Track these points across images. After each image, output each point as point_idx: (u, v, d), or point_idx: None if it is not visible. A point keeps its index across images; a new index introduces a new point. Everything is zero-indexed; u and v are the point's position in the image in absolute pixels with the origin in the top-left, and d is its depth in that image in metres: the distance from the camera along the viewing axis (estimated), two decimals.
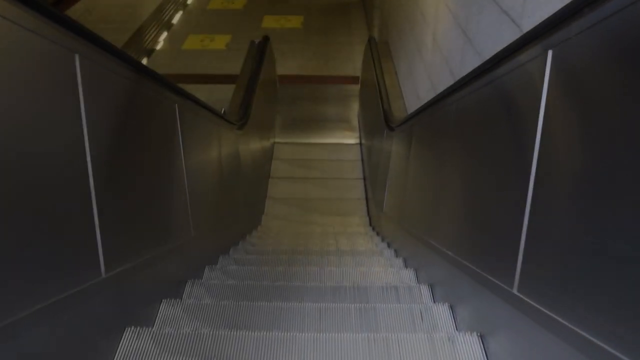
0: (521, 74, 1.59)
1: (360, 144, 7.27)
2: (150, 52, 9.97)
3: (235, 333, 1.97)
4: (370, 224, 5.77)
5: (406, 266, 3.46)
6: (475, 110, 2.16)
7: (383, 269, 3.24)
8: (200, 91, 7.56)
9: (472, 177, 2.09)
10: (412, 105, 5.23)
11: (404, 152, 3.91)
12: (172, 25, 11.19)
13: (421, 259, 3.00)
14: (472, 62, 3.19)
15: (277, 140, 7.33)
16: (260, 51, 6.76)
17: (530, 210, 1.45)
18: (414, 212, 3.27)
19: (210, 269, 3.17)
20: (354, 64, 9.47)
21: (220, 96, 6.52)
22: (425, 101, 3.48)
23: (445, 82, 3.87)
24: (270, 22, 11.08)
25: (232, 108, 5.49)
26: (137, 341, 1.85)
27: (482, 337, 1.86)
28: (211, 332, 1.97)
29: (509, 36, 2.57)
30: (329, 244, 4.61)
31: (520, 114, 1.59)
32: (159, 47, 10.25)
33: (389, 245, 4.37)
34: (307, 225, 5.50)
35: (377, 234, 5.13)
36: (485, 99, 1.99)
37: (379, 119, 5.59)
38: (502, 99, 1.80)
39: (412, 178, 3.38)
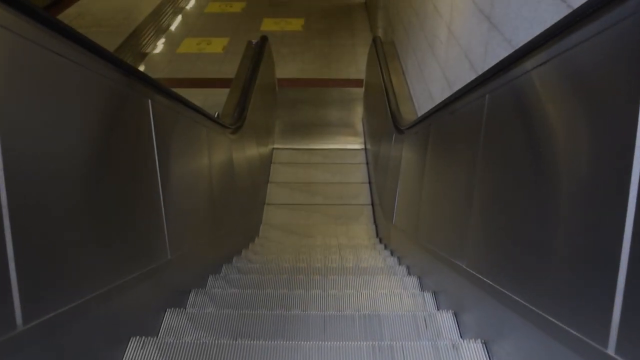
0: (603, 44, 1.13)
1: (365, 149, 6.80)
2: (143, 56, 9.54)
3: None
4: (377, 235, 5.29)
5: (422, 287, 3.00)
6: (521, 102, 1.70)
7: (395, 291, 2.78)
8: (194, 96, 7.09)
9: (522, 190, 1.62)
10: (424, 107, 4.77)
11: (418, 158, 3.44)
12: (167, 29, 10.79)
13: (444, 281, 2.53)
14: (499, 52, 2.73)
15: (276, 146, 6.86)
16: (258, 52, 6.31)
17: (634, 235, 0.99)
18: (433, 226, 2.80)
19: (196, 294, 2.70)
20: (357, 66, 9.03)
21: (216, 101, 6.09)
22: (440, 101, 3.04)
23: (464, 77, 3.41)
24: (269, 25, 10.65)
25: (226, 111, 5.04)
26: None
27: None
28: None
29: (552, 15, 2.11)
30: (333, 259, 4.15)
31: (609, 99, 1.12)
32: (152, 50, 9.83)
33: (399, 261, 3.90)
34: (308, 238, 5.03)
35: (385, 246, 4.65)
36: (539, 86, 1.52)
37: (386, 121, 5.13)
38: (571, 83, 1.33)
39: (430, 187, 2.92)
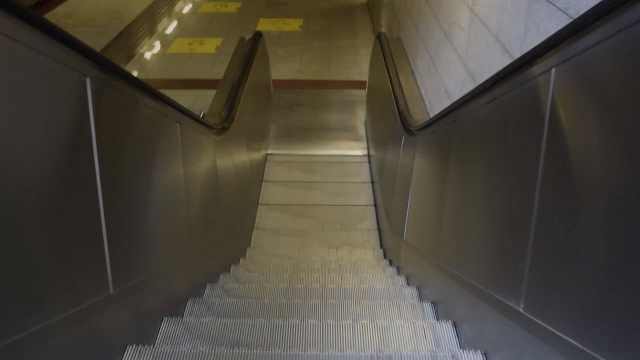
0: None
1: (369, 155, 6.20)
2: (131, 57, 8.97)
3: None
4: (382, 246, 4.69)
5: (437, 315, 2.41)
6: (621, 71, 1.10)
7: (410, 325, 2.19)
8: (183, 97, 6.45)
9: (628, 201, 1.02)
10: (437, 106, 4.18)
11: (437, 163, 2.85)
12: (158, 29, 10.23)
13: (479, 320, 1.93)
14: (548, 26, 2.14)
15: (270, 151, 6.26)
16: (251, 48, 5.72)
17: None
18: (463, 248, 2.19)
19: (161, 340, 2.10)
20: (359, 67, 8.45)
21: (206, 102, 5.49)
22: (459, 97, 2.45)
23: (493, 65, 2.82)
24: (266, 25, 10.09)
25: (213, 110, 4.45)
26: None
27: None
28: None
29: None
30: (331, 277, 3.55)
31: None
32: (141, 51, 9.25)
33: (407, 282, 3.30)
34: (305, 249, 4.41)
35: (390, 262, 4.04)
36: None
37: (394, 123, 4.54)
38: None
39: (457, 199, 2.31)
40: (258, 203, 5.39)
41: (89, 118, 1.62)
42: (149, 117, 2.21)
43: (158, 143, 2.31)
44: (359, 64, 8.56)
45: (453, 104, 2.43)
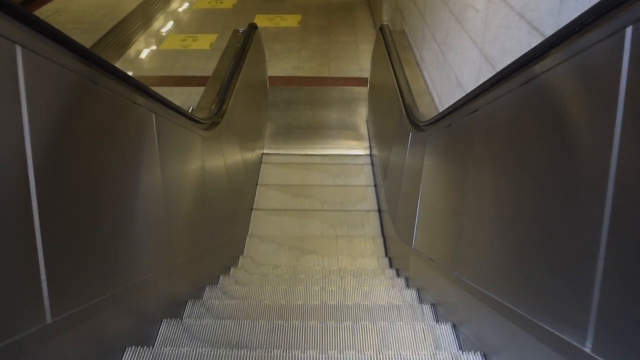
0: None
1: (371, 155, 5.82)
2: (121, 54, 8.59)
3: None
4: (387, 255, 4.31)
5: (460, 343, 2.03)
6: None
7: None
8: (175, 94, 6.03)
9: None
10: (448, 99, 3.81)
11: (453, 160, 2.47)
12: (151, 25, 9.85)
13: (523, 353, 1.55)
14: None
15: (266, 151, 5.88)
16: (245, 40, 5.34)
17: None
18: (491, 261, 1.81)
19: None
20: (359, 64, 8.08)
21: (198, 100, 5.15)
22: (473, 87, 2.08)
23: (517, 48, 2.45)
24: (263, 22, 9.71)
25: (202, 104, 4.08)
26: None
27: None
28: None
29: None
30: (332, 291, 3.18)
31: None
32: (132, 47, 8.87)
33: (419, 296, 2.92)
34: (303, 258, 4.01)
35: (398, 272, 3.66)
36: None
37: (400, 119, 4.17)
38: None
39: (481, 202, 1.93)
40: (252, 208, 4.98)
41: (19, 98, 1.25)
42: (113, 103, 1.84)
43: (124, 136, 1.93)
44: (359, 60, 8.19)
45: (475, 89, 2.06)
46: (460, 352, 2.00)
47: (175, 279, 2.45)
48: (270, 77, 7.18)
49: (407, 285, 3.26)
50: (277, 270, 3.54)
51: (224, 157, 3.86)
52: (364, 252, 4.25)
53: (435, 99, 4.24)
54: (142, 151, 2.12)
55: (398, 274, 3.54)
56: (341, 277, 3.32)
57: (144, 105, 2.15)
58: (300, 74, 7.75)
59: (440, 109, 3.94)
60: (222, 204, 3.74)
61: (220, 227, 3.56)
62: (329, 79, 7.58)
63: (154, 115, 2.27)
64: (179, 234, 2.50)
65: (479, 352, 1.87)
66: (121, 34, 9.40)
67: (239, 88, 4.62)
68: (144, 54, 8.66)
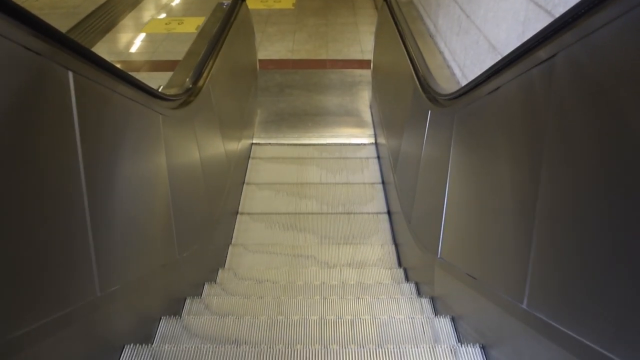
0: None
1: (377, 143, 5.06)
2: (99, 39, 7.84)
3: None
4: (400, 265, 3.56)
5: None
6: None
7: None
8: (153, 80, 5.20)
9: None
10: (475, 68, 3.07)
11: (512, 139, 1.72)
12: (134, 9, 9.09)
13: None
14: None
15: (256, 140, 5.12)
16: (230, 12, 4.59)
17: None
18: (596, 293, 1.07)
19: None
20: (360, 46, 7.33)
21: None
22: (515, 47, 1.37)
23: None
24: (255, 3, 8.94)
25: (174, 82, 3.34)
26: None
27: None
28: None
29: None
30: (333, 308, 2.47)
31: None
32: (111, 32, 8.12)
33: (456, 328, 2.18)
34: (294, 273, 3.24)
35: (417, 288, 2.92)
36: None
37: (413, 97, 3.43)
38: None
39: (570, 196, 1.19)
40: (237, 212, 4.20)
41: None
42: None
43: (10, 99, 1.19)
44: (360, 42, 7.44)
45: (553, 22, 1.31)
46: None
47: (105, 315, 1.71)
48: (262, 61, 6.44)
49: (435, 310, 2.51)
50: (263, 288, 2.79)
51: (198, 146, 3.11)
52: (373, 261, 3.49)
53: (457, 71, 3.50)
54: (48, 125, 1.38)
55: (419, 291, 2.79)
56: (345, 297, 2.58)
57: (54, 58, 1.41)
58: (295, 57, 6.99)
59: (464, 83, 3.20)
60: (194, 205, 2.99)
61: (191, 235, 2.81)
62: (327, 62, 6.83)
63: (70, 74, 1.53)
64: (112, 250, 1.75)
65: None
66: (100, 18, 8.65)
67: (220, 65, 3.88)
68: (124, 39, 7.92)
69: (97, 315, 1.65)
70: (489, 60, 2.80)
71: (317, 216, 4.02)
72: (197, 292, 2.83)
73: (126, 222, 1.89)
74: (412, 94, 3.49)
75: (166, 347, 1.90)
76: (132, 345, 1.89)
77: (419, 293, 2.80)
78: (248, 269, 3.16)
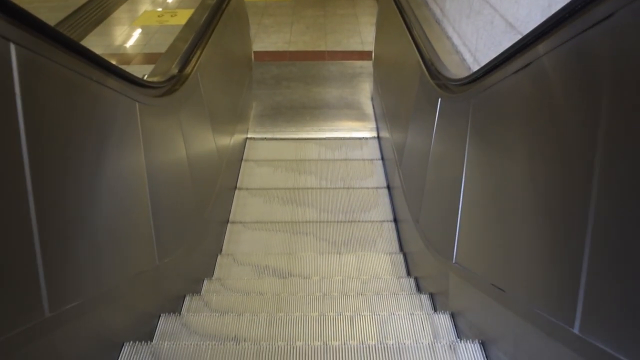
0: None
1: (379, 137, 4.77)
2: (88, 32, 7.55)
3: None
4: (409, 274, 3.25)
5: None
6: None
7: None
8: (144, 72, 4.92)
9: None
10: (490, 51, 2.78)
11: (546, 127, 1.43)
12: (125, 1, 8.79)
13: None
14: None
15: (251, 135, 4.82)
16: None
17: None
18: None
19: None
20: (360, 37, 7.03)
21: None
22: (538, 24, 1.12)
23: None
24: None
25: (159, 69, 3.04)
26: None
27: None
28: None
29: None
30: (336, 316, 2.21)
31: None
32: (101, 25, 7.82)
33: (485, 352, 1.89)
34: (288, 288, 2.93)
35: (433, 301, 2.63)
36: None
37: (420, 84, 3.15)
38: None
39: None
40: (228, 220, 3.82)
41: None
42: None
43: None
44: (360, 33, 7.14)
45: None
46: None
47: (60, 336, 1.42)
48: (257, 52, 6.15)
49: (458, 334, 2.21)
50: (252, 300, 2.50)
51: (185, 140, 2.82)
52: (378, 270, 3.19)
53: (467, 56, 3.21)
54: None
55: (434, 305, 2.49)
56: (350, 309, 2.30)
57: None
58: (292, 49, 6.70)
59: (476, 68, 2.91)
60: (180, 205, 2.70)
61: (173, 239, 2.52)
62: (326, 53, 6.53)
63: (13, 47, 1.24)
64: (69, 261, 1.46)
65: None
66: (91, 11, 8.35)
67: (211, 53, 3.59)
68: (115, 32, 7.63)
69: (48, 339, 1.37)
70: (506, 42, 2.51)
71: (315, 224, 3.71)
72: (177, 306, 2.53)
73: (89, 227, 1.60)
74: (418, 82, 3.20)
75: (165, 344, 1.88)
76: None
77: (435, 307, 2.51)
78: (237, 281, 2.87)
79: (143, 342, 1.91)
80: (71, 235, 1.47)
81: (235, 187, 4.14)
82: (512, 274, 1.54)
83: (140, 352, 1.86)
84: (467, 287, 2.00)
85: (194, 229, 2.89)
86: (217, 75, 3.87)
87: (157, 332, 2.16)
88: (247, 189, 4.07)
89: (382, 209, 3.86)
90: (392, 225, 3.72)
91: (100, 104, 1.78)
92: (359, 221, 3.71)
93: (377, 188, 4.07)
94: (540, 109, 1.42)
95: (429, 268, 2.64)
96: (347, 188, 4.06)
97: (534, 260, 1.39)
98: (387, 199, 3.96)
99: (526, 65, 1.52)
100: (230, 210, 3.92)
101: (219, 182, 3.53)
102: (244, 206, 3.92)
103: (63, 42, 1.47)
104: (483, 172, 1.94)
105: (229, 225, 3.78)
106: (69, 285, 1.45)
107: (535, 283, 1.37)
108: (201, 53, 3.37)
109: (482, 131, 1.98)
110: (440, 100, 2.69)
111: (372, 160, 4.42)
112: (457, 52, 3.42)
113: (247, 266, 3.22)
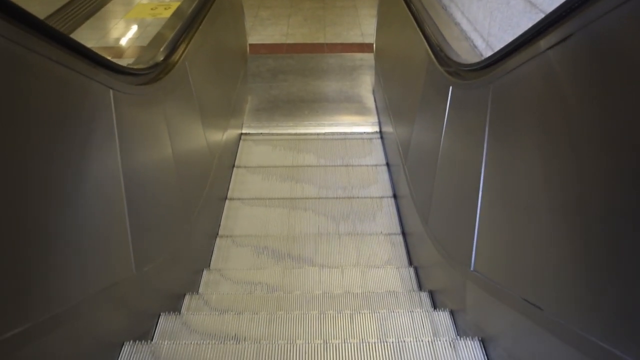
0: None
1: (381, 132, 4.51)
2: (78, 25, 7.30)
3: None
4: (421, 288, 2.95)
5: None
6: None
7: None
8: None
9: None
10: (506, 34, 2.52)
11: (579, 117, 1.18)
12: None
13: None
14: None
15: (245, 130, 4.56)
16: None
17: None
18: None
19: None
20: (361, 29, 6.77)
21: None
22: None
23: None
24: None
25: (145, 56, 2.78)
26: None
27: None
28: None
29: None
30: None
31: None
32: (92, 18, 7.57)
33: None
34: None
35: (453, 317, 2.37)
36: None
37: (427, 72, 2.90)
38: None
39: None
40: (217, 234, 3.40)
41: None
42: None
43: None
44: (361, 25, 6.88)
45: None
46: None
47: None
48: (253, 45, 5.89)
49: (457, 331, 1.96)
50: (238, 324, 2.24)
51: (170, 134, 2.56)
52: (384, 285, 2.90)
53: (479, 42, 2.95)
54: None
55: (455, 324, 2.22)
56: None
57: None
58: (289, 41, 6.43)
59: (488, 53, 2.65)
60: (165, 207, 2.44)
61: (158, 244, 2.26)
62: (325, 46, 6.27)
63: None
64: (22, 277, 1.20)
65: None
66: (81, 5, 8.10)
67: (201, 42, 3.34)
68: (106, 25, 7.38)
69: None
70: (525, 22, 2.25)
71: (314, 235, 3.41)
72: (148, 334, 2.26)
73: (46, 234, 1.34)
74: (425, 72, 2.95)
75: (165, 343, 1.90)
76: None
77: (457, 331, 2.24)
78: (220, 302, 2.60)
79: (143, 341, 1.91)
80: (8, 248, 1.21)
81: (226, 196, 3.83)
82: (551, 291, 1.28)
83: (141, 352, 1.86)
84: (488, 301, 1.75)
85: (181, 231, 2.62)
86: (208, 65, 3.62)
87: (157, 331, 2.17)
88: (239, 199, 3.75)
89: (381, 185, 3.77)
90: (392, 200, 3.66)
91: (62, 89, 1.52)
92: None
93: (377, 165, 3.90)
94: (591, 92, 1.16)
95: (445, 278, 2.38)
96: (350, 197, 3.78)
97: (579, 276, 1.13)
98: (386, 175, 3.87)
99: (565, 38, 1.27)
100: (227, 188, 3.81)
101: (210, 180, 3.27)
102: (242, 183, 3.78)
103: (17, 13, 1.21)
104: (508, 168, 1.68)
105: (227, 201, 3.70)
106: (8, 310, 1.19)
107: (582, 304, 1.11)
108: (190, 41, 3.11)
109: (506, 120, 1.72)
110: (452, 89, 2.44)
111: (376, 165, 4.10)
112: (467, 38, 3.16)
113: (247, 247, 3.20)
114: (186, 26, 3.16)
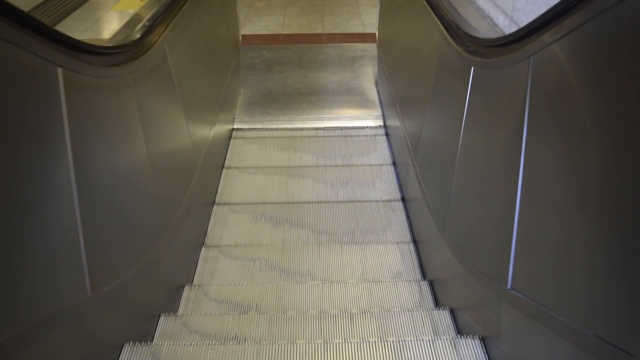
0: None
1: (386, 126, 4.13)
2: (64, 17, 6.96)
3: None
4: (437, 304, 2.56)
5: None
6: None
7: None
8: None
9: None
10: (532, 10, 2.16)
11: None
12: None
13: None
14: None
15: (237, 125, 4.17)
16: None
17: None
18: None
19: None
20: (362, 19, 6.41)
21: None
22: None
23: None
24: None
25: (120, 36, 2.41)
26: None
27: None
28: None
29: None
30: None
31: None
32: (78, 10, 7.23)
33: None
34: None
35: (485, 345, 2.01)
36: None
37: (439, 56, 2.54)
38: None
39: None
40: (203, 244, 3.00)
41: None
42: None
43: None
44: (361, 15, 6.52)
45: None
46: None
47: None
48: (247, 36, 5.53)
49: (457, 330, 1.61)
50: (239, 324, 2.01)
51: (144, 126, 2.18)
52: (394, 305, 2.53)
53: (501, 20, 2.58)
54: None
55: (485, 350, 1.85)
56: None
57: None
58: (285, 32, 6.06)
59: (509, 30, 2.29)
60: (134, 214, 2.07)
61: (115, 268, 1.89)
62: (324, 36, 5.90)
63: None
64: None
65: None
66: None
67: (185, 24, 2.98)
68: (93, 17, 7.03)
69: None
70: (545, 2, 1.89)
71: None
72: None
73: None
74: (438, 54, 2.58)
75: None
76: None
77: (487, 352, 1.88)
78: (204, 323, 2.27)
79: (143, 342, 1.90)
80: None
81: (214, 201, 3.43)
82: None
83: (141, 353, 1.86)
84: (537, 330, 1.38)
85: (155, 241, 2.24)
86: (193, 52, 3.25)
87: (157, 332, 2.15)
88: (227, 203, 3.36)
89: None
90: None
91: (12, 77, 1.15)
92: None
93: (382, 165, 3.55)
94: None
95: (468, 295, 2.01)
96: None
97: None
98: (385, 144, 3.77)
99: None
100: (216, 191, 3.49)
101: (194, 181, 2.89)
102: (232, 186, 3.50)
103: None
104: (562, 164, 1.31)
105: (223, 170, 3.63)
106: None
107: None
108: (171, 21, 2.75)
109: (557, 103, 1.35)
110: (474, 70, 2.07)
111: (380, 165, 3.71)
112: (485, 17, 2.79)
113: (244, 214, 3.20)
114: (167, 4, 2.80)
